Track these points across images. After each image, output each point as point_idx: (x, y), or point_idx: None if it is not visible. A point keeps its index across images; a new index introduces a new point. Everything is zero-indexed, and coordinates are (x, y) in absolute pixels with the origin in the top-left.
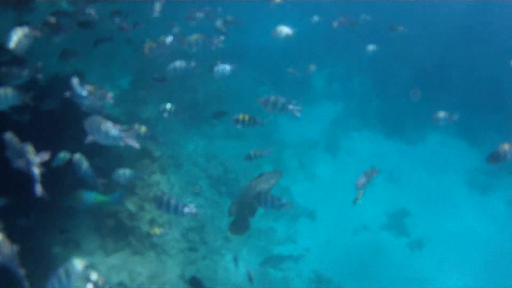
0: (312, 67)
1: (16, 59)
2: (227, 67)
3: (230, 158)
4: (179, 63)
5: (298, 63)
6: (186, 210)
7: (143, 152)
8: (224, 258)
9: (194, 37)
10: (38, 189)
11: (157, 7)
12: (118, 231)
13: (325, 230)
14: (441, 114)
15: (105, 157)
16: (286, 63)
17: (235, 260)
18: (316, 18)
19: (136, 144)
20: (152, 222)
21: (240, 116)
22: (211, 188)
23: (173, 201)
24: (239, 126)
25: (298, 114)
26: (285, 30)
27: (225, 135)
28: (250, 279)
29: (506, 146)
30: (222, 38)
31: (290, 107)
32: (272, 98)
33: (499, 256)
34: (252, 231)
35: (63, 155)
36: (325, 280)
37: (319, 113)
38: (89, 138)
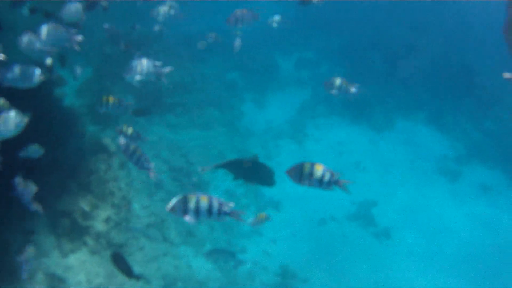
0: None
1: None
2: (145, 67)
3: (194, 148)
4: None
5: (266, 49)
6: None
7: (100, 147)
8: (186, 253)
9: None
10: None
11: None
12: (73, 231)
13: (291, 221)
14: (337, 81)
15: (64, 150)
16: (255, 49)
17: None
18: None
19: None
20: (107, 220)
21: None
22: (173, 181)
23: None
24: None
25: None
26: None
27: (190, 124)
28: None
29: None
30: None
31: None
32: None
33: (467, 244)
34: (215, 224)
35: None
36: (291, 273)
37: (286, 100)
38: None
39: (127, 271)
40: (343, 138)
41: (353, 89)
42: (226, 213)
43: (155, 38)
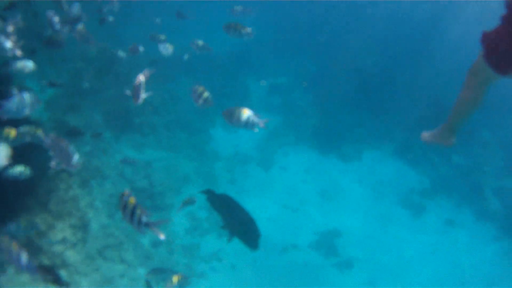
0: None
1: None
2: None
3: (159, 169)
4: None
5: (238, 73)
6: None
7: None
8: (143, 276)
9: None
10: None
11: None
12: (29, 249)
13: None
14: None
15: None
16: (227, 72)
17: (148, 285)
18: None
19: None
20: (64, 241)
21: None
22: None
23: None
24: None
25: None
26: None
27: (157, 145)
28: None
29: None
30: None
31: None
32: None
33: (429, 279)
34: (175, 247)
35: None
36: None
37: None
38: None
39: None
40: (310, 167)
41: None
42: (144, 223)
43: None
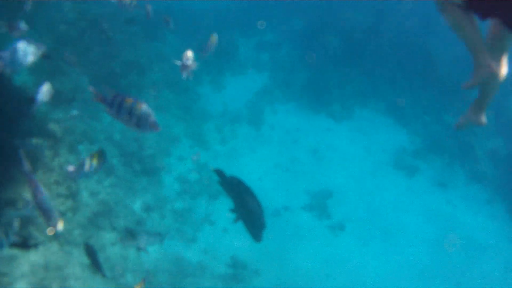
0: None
1: None
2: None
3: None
4: None
5: (226, 30)
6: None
7: (47, 132)
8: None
9: None
10: None
11: None
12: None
13: None
14: None
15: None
16: (214, 29)
17: (139, 249)
18: None
19: None
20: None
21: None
22: (124, 166)
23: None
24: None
25: None
26: None
27: None
28: None
29: None
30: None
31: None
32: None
33: (422, 240)
34: (165, 212)
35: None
36: (241, 264)
37: (244, 83)
38: None
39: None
40: (301, 125)
41: None
42: None
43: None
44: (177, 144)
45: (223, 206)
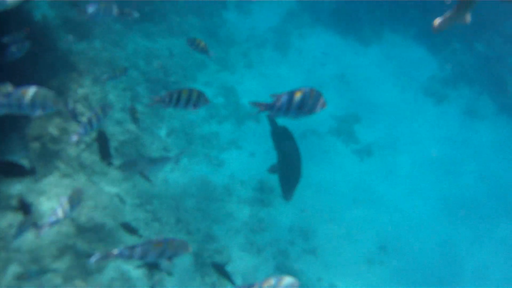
0: None
1: None
2: None
3: (172, 57)
4: None
5: None
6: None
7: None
8: (163, 168)
9: None
10: None
11: None
12: (44, 155)
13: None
14: None
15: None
16: None
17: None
18: None
19: None
20: (78, 142)
21: None
22: (150, 93)
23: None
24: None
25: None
26: None
27: (169, 33)
28: None
29: None
30: None
31: None
32: None
33: (448, 167)
34: (193, 137)
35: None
36: (269, 188)
37: (270, 7)
38: None
39: None
40: (328, 49)
41: None
42: None
43: None
44: (203, 69)
45: (250, 131)
